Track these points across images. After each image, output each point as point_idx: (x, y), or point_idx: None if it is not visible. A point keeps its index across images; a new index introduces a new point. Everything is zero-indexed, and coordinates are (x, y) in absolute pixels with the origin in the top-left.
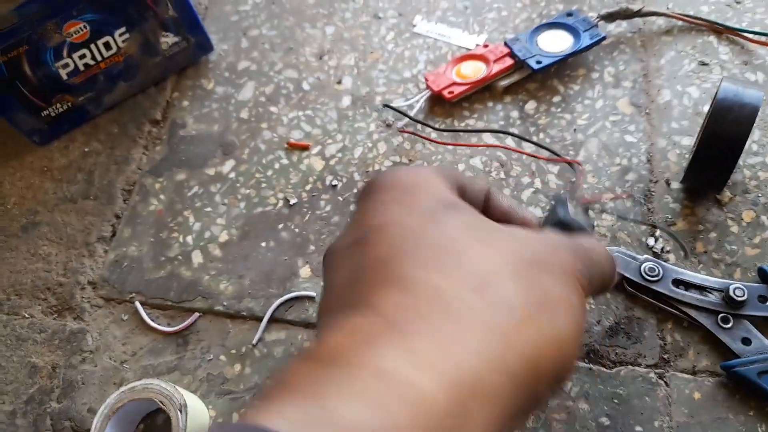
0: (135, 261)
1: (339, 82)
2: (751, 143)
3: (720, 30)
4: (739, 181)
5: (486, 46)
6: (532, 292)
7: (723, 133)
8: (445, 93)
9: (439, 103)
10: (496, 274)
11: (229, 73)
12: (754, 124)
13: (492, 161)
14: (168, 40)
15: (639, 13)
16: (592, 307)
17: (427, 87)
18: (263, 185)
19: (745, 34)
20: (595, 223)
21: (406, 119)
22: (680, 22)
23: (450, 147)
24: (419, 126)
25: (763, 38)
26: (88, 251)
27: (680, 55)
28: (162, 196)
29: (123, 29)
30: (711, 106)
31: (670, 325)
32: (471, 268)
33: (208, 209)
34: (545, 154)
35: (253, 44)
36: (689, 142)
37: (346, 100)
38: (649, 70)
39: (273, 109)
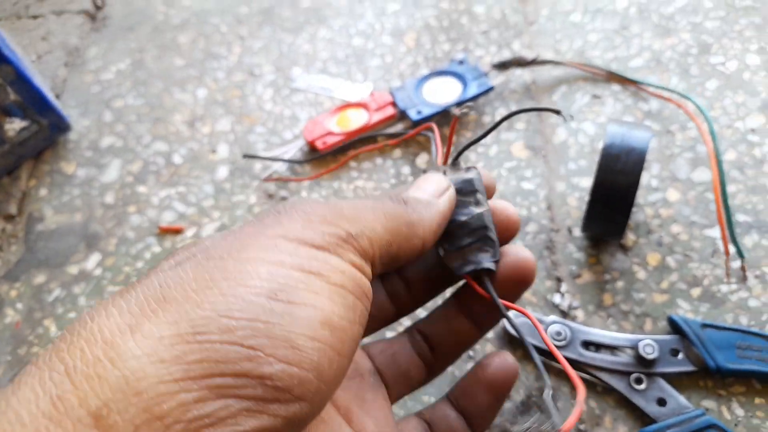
0: None
1: (214, 151)
2: (650, 178)
3: (619, 80)
4: (642, 221)
5: (372, 94)
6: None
7: (612, 184)
8: (319, 143)
9: (323, 163)
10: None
11: (92, 153)
12: (652, 158)
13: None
14: (14, 125)
15: (534, 62)
16: None
17: (304, 137)
18: (133, 279)
19: (645, 87)
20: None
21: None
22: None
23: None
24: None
25: (659, 91)
26: None
27: (572, 89)
28: (19, 305)
29: None
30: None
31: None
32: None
33: (72, 314)
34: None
35: (117, 117)
36: (588, 183)
37: (223, 171)
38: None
39: (141, 189)
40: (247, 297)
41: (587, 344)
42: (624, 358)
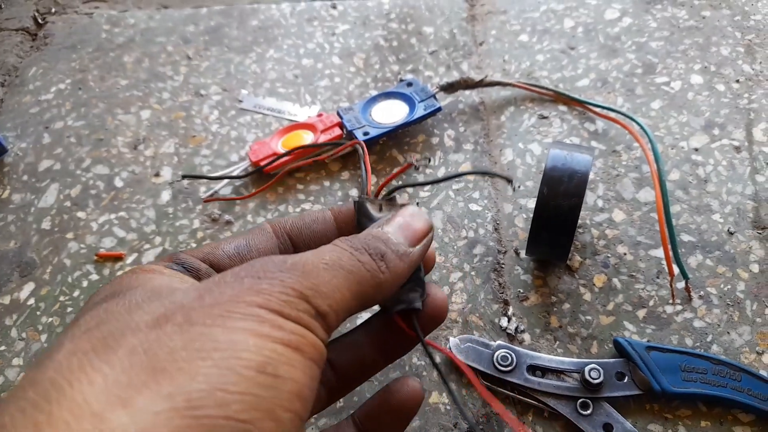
0: None
1: (157, 174)
2: (596, 199)
3: (566, 101)
4: (588, 242)
5: (320, 115)
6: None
7: (555, 208)
8: (263, 164)
9: (270, 189)
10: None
11: (29, 177)
12: (598, 179)
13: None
14: None
15: (481, 84)
16: (448, 408)
17: (249, 158)
18: (69, 309)
19: (591, 107)
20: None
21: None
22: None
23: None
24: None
25: (605, 112)
26: None
27: (520, 110)
28: None
29: None
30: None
31: (531, 416)
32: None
33: (2, 348)
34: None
35: (56, 139)
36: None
37: (166, 195)
38: (489, 128)
39: (80, 214)
40: (240, 370)
41: (533, 369)
42: (570, 382)
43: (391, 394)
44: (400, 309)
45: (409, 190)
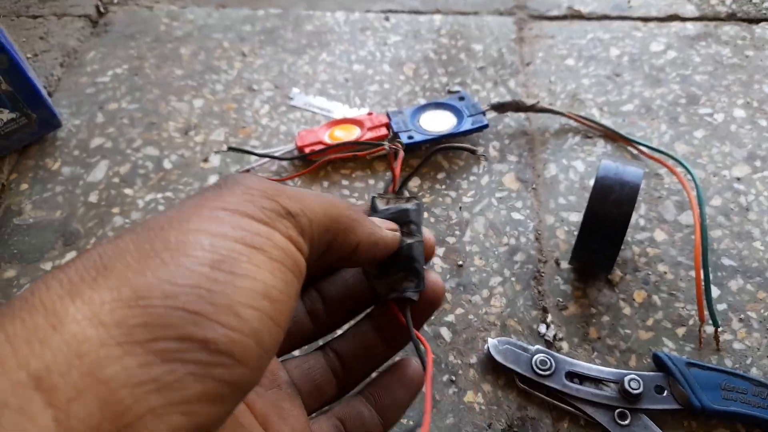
0: None
1: (206, 160)
2: (638, 218)
3: (613, 137)
4: (629, 258)
5: (370, 114)
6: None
7: (605, 215)
8: (307, 150)
9: (314, 179)
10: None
11: (80, 152)
12: (641, 199)
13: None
14: (2, 116)
15: (533, 108)
16: (483, 408)
17: (296, 144)
18: None
19: (638, 146)
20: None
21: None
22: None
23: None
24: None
25: (654, 153)
26: None
27: (564, 128)
28: None
29: None
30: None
31: (566, 423)
32: None
33: None
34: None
35: (110, 119)
36: (577, 218)
37: (213, 180)
38: (534, 143)
39: (128, 191)
40: (190, 266)
41: (572, 375)
42: (608, 392)
43: (403, 368)
44: (392, 297)
45: (452, 193)
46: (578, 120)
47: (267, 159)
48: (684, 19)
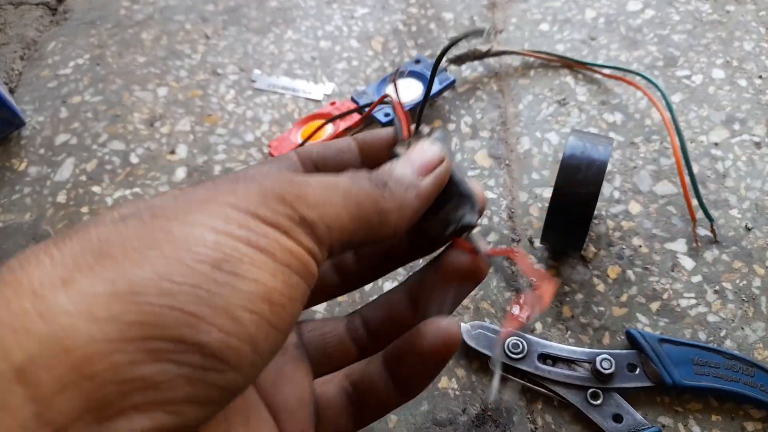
0: None
1: (172, 152)
2: (612, 190)
3: (573, 65)
4: (603, 233)
5: (333, 103)
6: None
7: (572, 196)
8: None
9: None
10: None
11: (45, 150)
12: (615, 170)
13: None
14: None
15: (488, 54)
16: (457, 393)
17: (270, 155)
18: None
19: (599, 69)
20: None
21: None
22: (534, 60)
23: None
24: None
25: (617, 73)
26: None
27: (538, 98)
28: None
29: None
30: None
31: (540, 405)
32: None
33: None
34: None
35: (74, 113)
36: (550, 194)
37: (181, 173)
38: (507, 116)
39: (95, 188)
40: (191, 263)
41: (544, 357)
42: (581, 372)
43: (422, 338)
44: (450, 231)
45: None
46: (536, 56)
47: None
48: None
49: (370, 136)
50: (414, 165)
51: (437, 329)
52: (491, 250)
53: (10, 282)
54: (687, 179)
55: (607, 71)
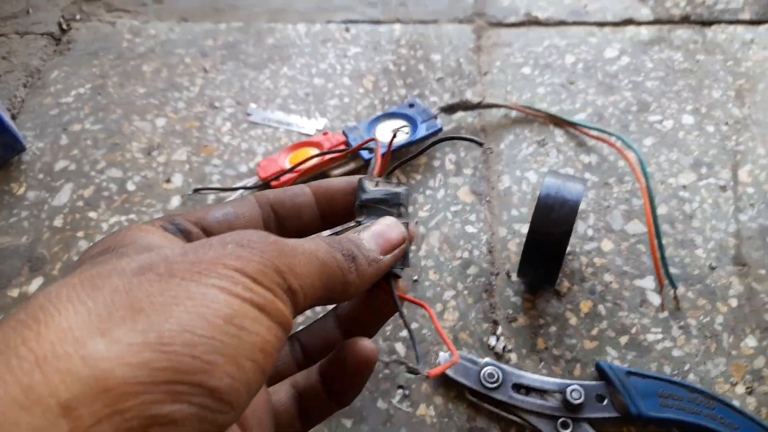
0: None
1: (168, 180)
2: (587, 228)
3: (559, 123)
4: (576, 269)
5: (326, 134)
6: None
7: (546, 235)
8: (273, 181)
9: None
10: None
11: (44, 175)
12: (589, 209)
13: None
14: None
15: (479, 106)
16: (434, 420)
17: (257, 174)
18: None
19: (580, 127)
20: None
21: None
22: (520, 114)
23: None
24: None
25: (593, 132)
26: None
27: (518, 138)
28: None
29: None
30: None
31: None
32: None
33: None
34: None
35: (73, 141)
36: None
37: (176, 201)
38: (489, 155)
39: (92, 214)
40: (209, 318)
41: (518, 387)
42: (552, 402)
43: (352, 353)
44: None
45: (420, 198)
46: (523, 110)
47: (233, 191)
48: (639, 23)
49: (326, 184)
50: (379, 242)
51: (361, 349)
52: (406, 296)
53: (51, 325)
54: (657, 250)
55: (593, 132)
